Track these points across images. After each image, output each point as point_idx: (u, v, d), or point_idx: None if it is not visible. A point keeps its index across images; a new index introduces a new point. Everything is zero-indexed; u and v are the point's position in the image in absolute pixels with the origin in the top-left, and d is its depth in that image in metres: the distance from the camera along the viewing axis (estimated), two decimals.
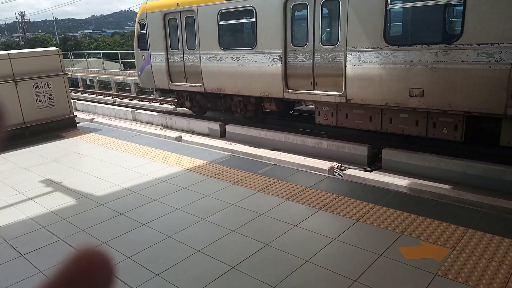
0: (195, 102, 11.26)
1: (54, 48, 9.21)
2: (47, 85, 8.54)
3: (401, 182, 5.74)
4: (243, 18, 9.05)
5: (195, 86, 10.32)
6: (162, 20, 10.57)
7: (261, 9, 8.41)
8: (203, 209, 4.41)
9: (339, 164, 7.30)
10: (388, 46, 6.71)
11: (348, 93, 7.39)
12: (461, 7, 5.89)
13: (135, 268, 3.37)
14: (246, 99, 9.76)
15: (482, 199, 4.90)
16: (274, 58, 8.41)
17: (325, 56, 7.69)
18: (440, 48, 6.18)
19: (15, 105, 7.94)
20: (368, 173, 6.46)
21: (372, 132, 8.00)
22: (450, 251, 3.27)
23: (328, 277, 3.07)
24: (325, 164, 6.76)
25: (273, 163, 6.17)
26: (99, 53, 27.57)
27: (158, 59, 11.04)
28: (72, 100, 9.94)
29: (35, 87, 8.36)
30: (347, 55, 7.23)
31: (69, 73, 16.32)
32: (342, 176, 6.27)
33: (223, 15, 9.19)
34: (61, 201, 4.88)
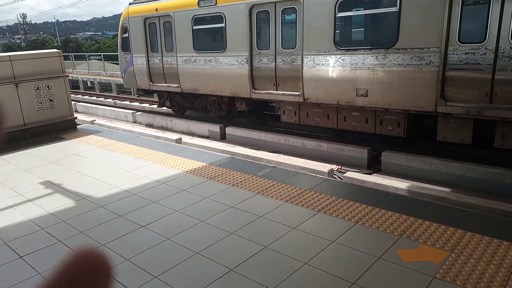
0: (174, 102, 11.99)
1: (55, 50, 9.24)
2: (48, 86, 8.56)
3: (400, 184, 5.74)
4: (214, 23, 9.64)
5: (173, 86, 11.03)
6: (142, 24, 11.30)
7: (229, 15, 9.10)
8: (202, 211, 4.41)
9: (339, 167, 7.30)
10: (337, 50, 7.42)
11: (305, 93, 8.08)
12: (397, 16, 6.57)
13: (134, 270, 3.37)
14: (219, 99, 10.41)
15: (481, 202, 4.90)
16: (241, 61, 9.07)
17: (285, 59, 8.35)
18: (379, 52, 6.89)
19: (15, 107, 7.96)
20: (368, 175, 6.46)
21: (372, 134, 8.03)
22: (448, 254, 3.27)
23: (326, 280, 3.07)
24: (325, 167, 6.76)
25: (273, 165, 6.17)
26: (100, 55, 27.65)
27: (139, 61, 11.76)
28: (72, 102, 9.96)
29: (36, 89, 8.39)
30: (304, 58, 7.92)
31: (70, 75, 16.36)
32: (342, 179, 6.27)
33: (197, 20, 9.91)
34: (61, 203, 4.89)
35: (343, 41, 7.66)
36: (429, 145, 7.60)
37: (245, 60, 8.98)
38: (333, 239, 3.64)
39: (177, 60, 10.58)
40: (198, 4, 9.68)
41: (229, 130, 9.80)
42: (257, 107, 10.36)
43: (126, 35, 11.98)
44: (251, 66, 8.93)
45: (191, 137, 9.90)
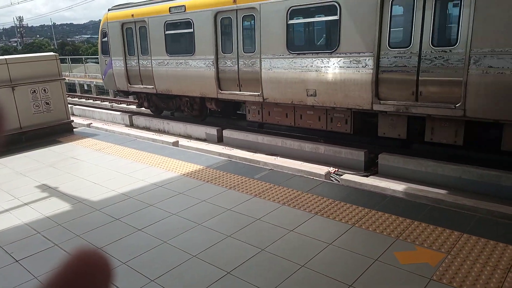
0: (151, 102, 12.70)
1: (52, 53, 9.22)
2: (44, 90, 8.55)
3: (397, 187, 5.76)
4: (184, 29, 10.32)
5: (148, 88, 11.76)
6: (120, 29, 11.99)
7: (197, 21, 9.78)
8: (199, 214, 4.41)
9: (336, 169, 7.31)
10: (289, 54, 8.13)
11: (264, 93, 8.78)
12: (338, 24, 7.32)
13: (130, 274, 3.36)
14: (192, 99, 11.10)
15: (478, 204, 4.91)
16: (209, 64, 9.77)
17: (246, 62, 9.04)
18: (324, 56, 7.62)
19: (12, 110, 7.94)
20: (365, 178, 6.47)
21: (369, 136, 8.06)
22: (445, 255, 3.28)
23: (323, 282, 3.07)
24: (322, 169, 6.78)
25: (270, 168, 6.17)
26: (97, 58, 27.58)
27: (118, 64, 12.48)
28: (69, 105, 9.94)
29: (32, 92, 8.37)
30: (262, 61, 8.63)
31: (66, 78, 16.33)
32: (339, 181, 6.28)
33: (169, 25, 10.60)
34: (57, 206, 4.87)
35: (294, 46, 8.30)
36: (426, 147, 7.63)
37: (211, 63, 9.67)
38: (330, 242, 3.64)
39: (151, 63, 11.27)
40: (170, 10, 10.35)
41: (226, 133, 9.81)
42: (229, 107, 11.00)
43: (106, 39, 12.70)
44: (217, 68, 9.62)
45: (188, 140, 9.89)
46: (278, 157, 8.11)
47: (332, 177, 6.76)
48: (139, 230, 4.14)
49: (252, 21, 8.81)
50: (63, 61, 26.11)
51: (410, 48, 6.56)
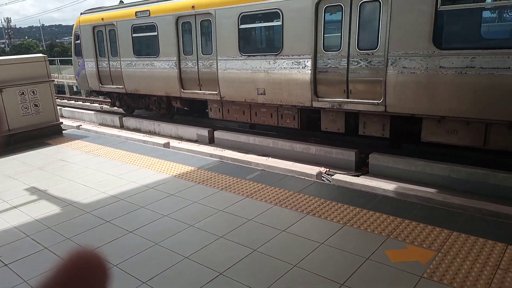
0: (123, 102, 13.37)
1: (40, 55, 9.11)
2: (33, 92, 8.44)
3: (387, 186, 5.80)
4: (149, 32, 10.94)
5: (119, 88, 12.41)
6: (92, 32, 12.67)
7: (160, 25, 10.46)
8: (191, 216, 4.39)
9: (327, 169, 7.35)
10: (241, 56, 8.85)
11: (221, 92, 9.48)
12: (281, 29, 8.06)
13: (122, 276, 3.34)
14: (159, 98, 11.78)
15: (467, 202, 4.98)
16: (172, 65, 10.43)
17: (205, 63, 9.72)
18: (271, 58, 8.36)
19: None
20: (356, 177, 6.51)
21: (359, 137, 8.12)
22: (435, 253, 3.32)
23: (315, 281, 3.08)
24: (313, 169, 6.80)
25: (261, 168, 6.18)
26: None
27: (90, 65, 13.15)
28: (58, 107, 9.83)
29: (21, 94, 8.25)
30: (218, 63, 9.31)
31: (55, 80, 16.17)
32: (330, 181, 6.31)
33: (135, 29, 11.26)
34: (46, 209, 4.81)
35: (245, 48, 8.94)
36: (416, 147, 7.71)
37: (174, 64, 10.35)
38: (321, 241, 3.66)
39: (121, 64, 11.95)
40: (136, 14, 11.06)
41: (218, 134, 9.79)
42: (197, 105, 11.61)
43: (78, 41, 13.40)
44: (179, 69, 10.30)
45: (179, 141, 9.84)
46: (270, 158, 8.12)
47: (323, 177, 6.79)
48: (130, 232, 4.11)
49: (209, 25, 9.48)
50: (52, 62, 25.82)
51: (341, 51, 7.38)
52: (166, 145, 8.59)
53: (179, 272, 3.36)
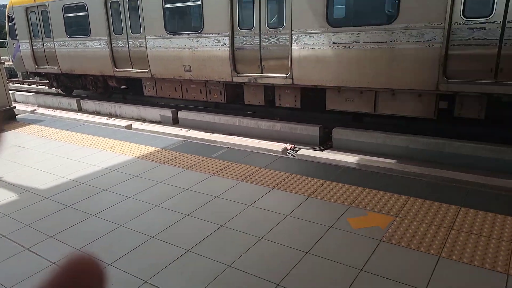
0: (60, 82, 13.51)
1: None
2: None
3: (350, 159, 5.97)
4: (80, 12, 11.12)
5: (54, 68, 12.61)
6: (25, 14, 12.68)
7: (90, 5, 10.66)
8: (156, 196, 4.33)
9: (292, 145, 7.44)
10: (167, 35, 9.25)
11: (152, 70, 9.91)
12: (201, 9, 8.55)
13: None
14: (95, 78, 12.05)
15: (424, 170, 5.22)
16: (103, 44, 10.74)
17: (135, 42, 10.09)
18: (194, 36, 8.82)
19: None
20: (320, 152, 6.65)
21: (323, 112, 8.26)
22: (393, 218, 3.48)
23: (282, 252, 3.15)
24: (278, 146, 6.86)
25: (227, 146, 6.16)
26: None
27: (25, 47, 13.25)
28: (10, 91, 9.25)
29: None
30: (147, 42, 9.72)
31: (6, 63, 15.16)
32: (295, 157, 6.41)
33: (67, 9, 11.41)
34: (2, 196, 4.57)
35: (171, 27, 9.32)
36: (378, 120, 7.95)
37: (106, 44, 10.65)
38: (287, 213, 3.73)
39: (54, 45, 12.10)
40: None
41: (182, 114, 9.63)
42: (136, 84, 11.65)
43: (12, 23, 13.38)
44: (111, 48, 10.62)
45: (142, 123, 9.60)
46: (236, 136, 8.10)
47: (288, 153, 6.87)
48: (93, 215, 4.00)
49: (136, 5, 9.73)
50: (2, 45, 24.15)
51: (254, 30, 7.97)
52: (129, 127, 8.34)
53: (146, 252, 3.33)
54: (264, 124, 8.32)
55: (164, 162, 5.36)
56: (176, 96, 10.13)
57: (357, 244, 3.14)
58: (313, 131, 7.67)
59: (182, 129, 8.77)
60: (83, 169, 5.26)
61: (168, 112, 9.87)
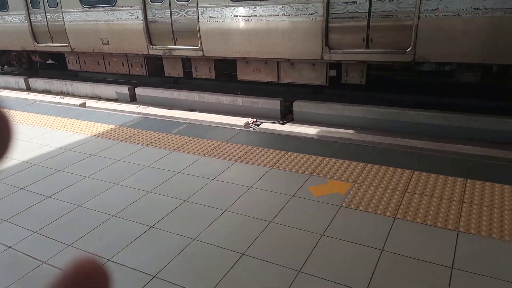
0: None
1: None
2: None
3: (311, 131, 6.07)
4: None
5: None
6: None
7: None
8: (115, 174, 4.20)
9: (254, 120, 7.44)
10: (83, 8, 9.27)
11: (71, 44, 9.95)
12: None
13: (44, 242, 3.14)
14: (19, 53, 11.78)
15: (381, 139, 5.43)
16: (22, 19, 10.52)
17: (53, 16, 9.94)
18: (108, 10, 8.83)
19: None
20: (281, 125, 6.70)
21: (284, 85, 8.28)
22: (352, 184, 3.61)
23: (246, 222, 3.19)
24: (241, 120, 6.82)
25: (188, 122, 6.05)
26: None
27: None
28: None
29: None
30: (64, 15, 9.69)
31: None
32: (257, 130, 6.42)
33: None
34: None
35: (86, 0, 9.26)
36: (337, 92, 8.09)
37: (24, 18, 10.44)
38: (250, 185, 3.76)
39: None
40: None
41: (139, 91, 9.29)
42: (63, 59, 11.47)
43: None
44: (30, 23, 10.45)
45: (97, 101, 9.18)
46: (197, 112, 7.96)
47: (251, 127, 6.87)
48: (49, 197, 3.83)
49: None
50: None
51: (164, 3, 8.05)
52: (82, 105, 7.96)
53: (107, 230, 3.25)
54: (225, 99, 8.22)
55: (122, 140, 5.18)
56: (99, 70, 10.20)
57: (318, 210, 3.24)
58: (274, 104, 7.69)
59: (141, 106, 8.48)
60: (35, 150, 4.99)
61: (124, 89, 9.49)
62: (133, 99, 9.40)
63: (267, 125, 6.51)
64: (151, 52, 8.70)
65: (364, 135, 5.73)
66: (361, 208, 3.24)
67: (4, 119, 0.31)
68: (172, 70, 9.11)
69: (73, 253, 2.99)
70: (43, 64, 12.27)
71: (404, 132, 6.34)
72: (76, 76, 11.76)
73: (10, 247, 3.11)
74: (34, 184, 4.09)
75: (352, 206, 3.26)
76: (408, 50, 6.14)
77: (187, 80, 9.64)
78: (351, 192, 3.47)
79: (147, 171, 4.26)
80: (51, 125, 5.95)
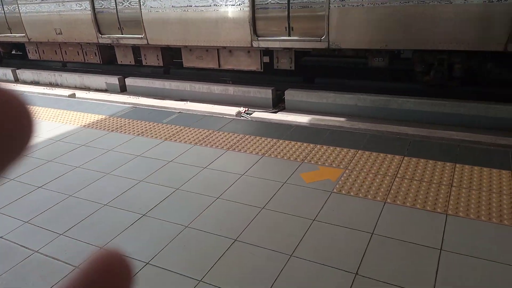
0: None
1: None
2: None
3: (302, 119, 6.07)
4: None
5: None
6: None
7: None
8: (106, 164, 4.18)
9: (246, 109, 7.42)
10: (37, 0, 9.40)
11: (28, 34, 10.18)
12: None
13: (35, 231, 3.13)
14: None
15: (371, 126, 5.45)
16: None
17: (10, 8, 10.15)
18: (60, 1, 9.07)
19: None
20: (273, 114, 6.70)
21: (276, 75, 8.26)
22: (343, 171, 3.64)
23: (238, 209, 3.21)
24: (232, 110, 6.79)
25: (179, 111, 6.02)
26: None
27: None
28: None
29: None
30: (20, 7, 9.85)
31: None
32: (248, 119, 6.41)
33: None
34: None
35: None
36: (329, 81, 8.10)
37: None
38: (242, 173, 3.77)
39: None
40: None
41: (129, 81, 9.19)
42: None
43: None
44: (5, 14, 10.57)
45: (87, 92, 9.07)
46: (188, 102, 7.92)
47: (242, 116, 6.86)
48: (39, 187, 3.81)
49: None
50: None
51: None
52: (72, 96, 7.86)
53: (99, 220, 3.25)
54: (217, 89, 8.18)
55: (112, 130, 5.15)
56: (57, 59, 10.55)
57: (310, 196, 3.27)
58: (266, 93, 7.67)
59: (131, 96, 8.40)
60: None
61: (114, 80, 9.37)
62: (123, 89, 9.30)
63: (259, 114, 6.50)
64: (101, 41, 9.00)
65: (355, 122, 5.76)
66: (352, 193, 3.27)
67: (28, 116, 0.32)
68: (124, 58, 9.43)
69: (65, 242, 2.99)
70: (6, 54, 12.52)
71: (394, 119, 6.39)
72: (65, 66, 11.61)
73: (1, 237, 3.10)
74: (24, 175, 4.05)
75: (343, 192, 3.29)
76: (323, 38, 6.59)
77: (178, 70, 9.56)
78: (342, 178, 3.50)
79: (139, 161, 4.25)
80: (40, 116, 5.88)
